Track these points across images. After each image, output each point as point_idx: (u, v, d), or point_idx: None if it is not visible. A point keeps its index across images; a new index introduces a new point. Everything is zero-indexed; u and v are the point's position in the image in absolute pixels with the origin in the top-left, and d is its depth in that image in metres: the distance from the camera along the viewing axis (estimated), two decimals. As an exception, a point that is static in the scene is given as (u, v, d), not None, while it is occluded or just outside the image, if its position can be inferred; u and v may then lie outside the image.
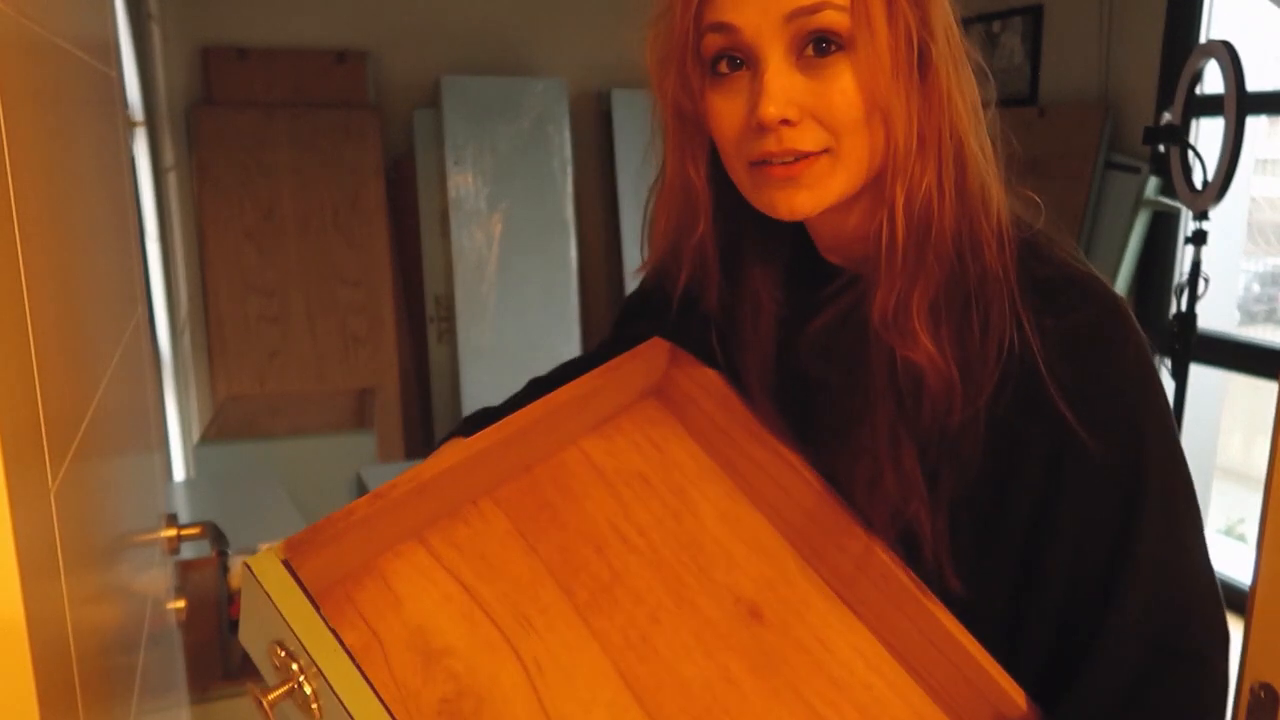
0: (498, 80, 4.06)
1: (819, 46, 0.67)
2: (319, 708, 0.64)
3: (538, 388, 0.92)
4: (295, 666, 0.65)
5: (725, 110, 0.71)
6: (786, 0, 0.66)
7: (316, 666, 0.62)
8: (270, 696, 0.65)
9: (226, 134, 3.76)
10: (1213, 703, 0.71)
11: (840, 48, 0.67)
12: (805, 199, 0.70)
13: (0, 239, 0.50)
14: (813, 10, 0.66)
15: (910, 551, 0.76)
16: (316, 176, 3.87)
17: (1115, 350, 0.70)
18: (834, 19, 0.66)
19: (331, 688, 0.62)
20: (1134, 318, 0.71)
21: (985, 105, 0.73)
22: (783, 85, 0.67)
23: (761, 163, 0.70)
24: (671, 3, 0.72)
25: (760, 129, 0.68)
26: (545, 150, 4.10)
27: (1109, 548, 0.70)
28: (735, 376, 0.85)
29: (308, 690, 0.64)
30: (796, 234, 0.82)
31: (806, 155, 0.69)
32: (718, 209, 0.78)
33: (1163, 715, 0.70)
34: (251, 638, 0.71)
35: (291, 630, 0.64)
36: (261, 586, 0.65)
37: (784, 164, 0.69)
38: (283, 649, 0.65)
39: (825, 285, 0.78)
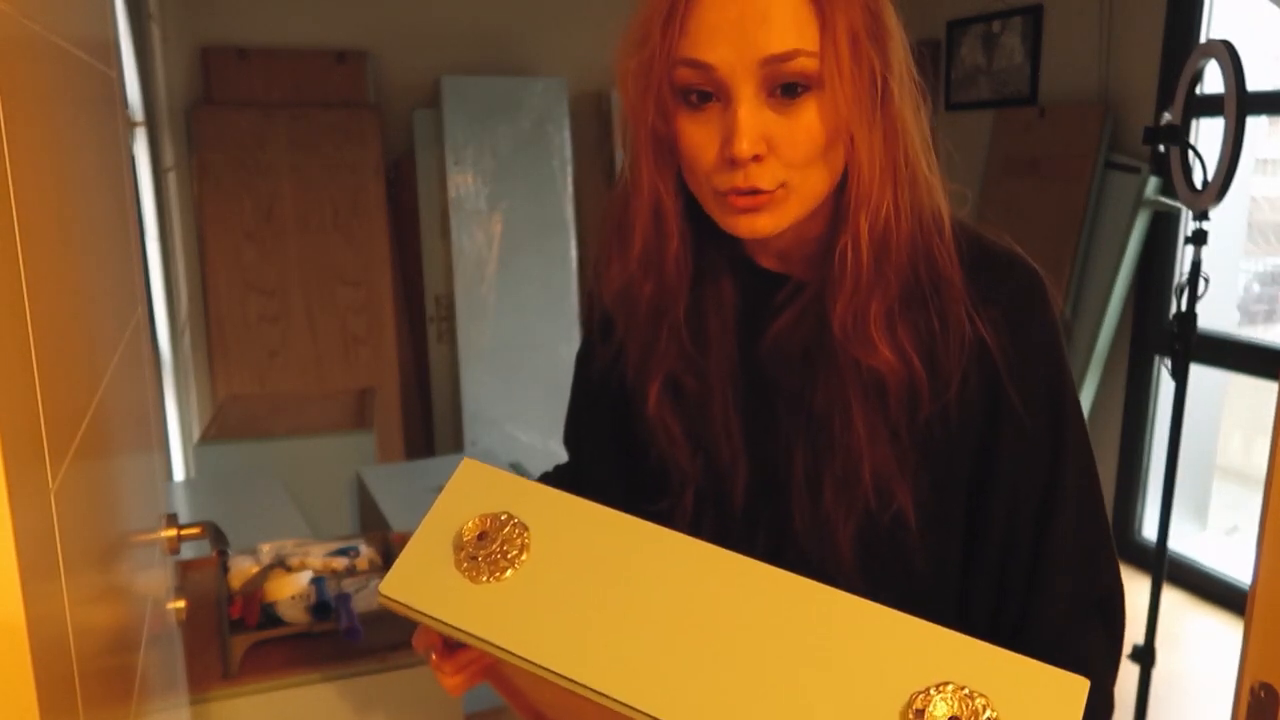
0: (498, 80, 4.06)
1: (788, 88, 0.72)
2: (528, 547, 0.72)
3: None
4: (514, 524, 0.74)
5: (698, 139, 0.75)
6: (762, 46, 0.70)
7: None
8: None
9: (226, 134, 3.76)
10: (1120, 631, 0.82)
11: (808, 89, 0.72)
12: (765, 222, 0.75)
13: (1, 239, 0.50)
14: (786, 58, 0.70)
15: (873, 541, 0.79)
16: (316, 176, 3.86)
17: (1042, 320, 0.79)
18: (805, 65, 0.71)
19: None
20: (1051, 289, 0.80)
21: (930, 125, 0.80)
22: (755, 122, 0.72)
23: (726, 192, 0.75)
24: (648, 34, 0.75)
25: (732, 163, 0.73)
26: (545, 150, 4.10)
27: (1040, 496, 0.79)
28: (700, 380, 0.85)
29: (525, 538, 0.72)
30: (734, 243, 0.85)
31: (764, 192, 0.73)
32: (684, 224, 0.81)
33: (1094, 643, 0.80)
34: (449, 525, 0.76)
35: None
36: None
37: (745, 195, 0.74)
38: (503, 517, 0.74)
39: (767, 290, 0.84)
